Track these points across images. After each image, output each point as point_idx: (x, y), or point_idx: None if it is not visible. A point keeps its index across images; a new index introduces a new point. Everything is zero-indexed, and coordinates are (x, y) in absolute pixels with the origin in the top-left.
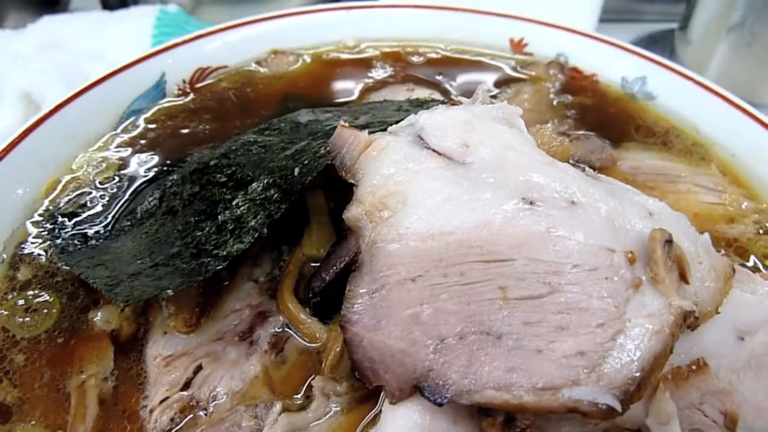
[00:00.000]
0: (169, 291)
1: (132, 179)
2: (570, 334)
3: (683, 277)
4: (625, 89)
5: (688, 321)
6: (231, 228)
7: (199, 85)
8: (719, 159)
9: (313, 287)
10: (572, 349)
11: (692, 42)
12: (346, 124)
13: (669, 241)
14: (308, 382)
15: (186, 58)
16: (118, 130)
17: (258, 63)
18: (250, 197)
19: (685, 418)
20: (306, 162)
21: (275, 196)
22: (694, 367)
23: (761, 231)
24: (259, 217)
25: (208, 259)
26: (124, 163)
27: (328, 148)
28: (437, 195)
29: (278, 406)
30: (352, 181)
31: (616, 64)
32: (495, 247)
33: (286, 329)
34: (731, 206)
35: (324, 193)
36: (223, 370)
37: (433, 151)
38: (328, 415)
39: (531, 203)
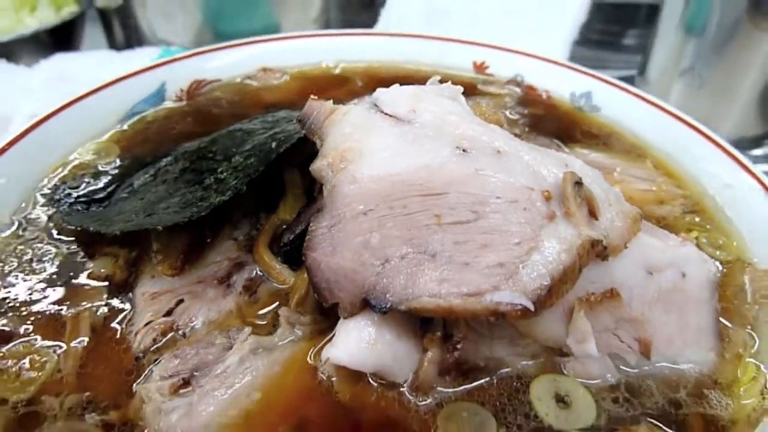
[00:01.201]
0: (159, 227)
1: (130, 164)
2: (492, 251)
3: (593, 214)
4: (573, 102)
5: (597, 249)
6: (215, 188)
7: (195, 93)
8: (654, 157)
9: (284, 239)
10: (494, 262)
11: (650, 84)
12: (315, 98)
13: (579, 183)
14: (276, 311)
15: (184, 71)
16: (121, 127)
17: (249, 78)
18: (233, 166)
19: (603, 342)
20: (281, 137)
21: (253, 162)
22: (607, 295)
23: (686, 210)
24: (239, 178)
25: (194, 208)
26: (123, 152)
27: (299, 117)
28: (387, 147)
29: (248, 330)
30: (319, 142)
31: (565, 82)
32: (432, 184)
33: (260, 275)
34: (661, 192)
35: (300, 171)
36: (202, 304)
37: (386, 114)
38: (291, 339)
39: (463, 150)
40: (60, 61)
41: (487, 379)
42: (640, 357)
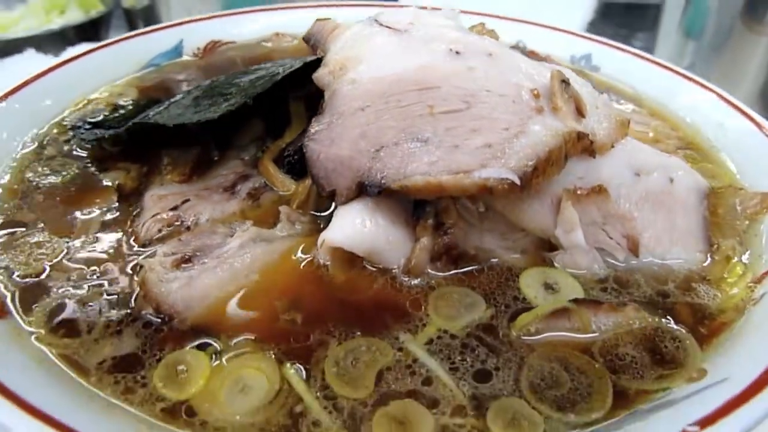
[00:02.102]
0: (169, 123)
1: (146, 103)
2: (481, 135)
3: (579, 112)
4: (574, 64)
5: (583, 142)
6: (224, 101)
7: (211, 51)
8: (650, 107)
9: (288, 150)
10: (482, 143)
11: None
12: (322, 17)
13: (566, 81)
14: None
15: (202, 31)
16: (139, 74)
17: (263, 41)
18: (242, 88)
19: (591, 235)
20: (288, 66)
21: (261, 83)
22: (595, 189)
23: (680, 147)
24: (247, 94)
25: (207, 114)
26: (140, 94)
27: (305, 36)
28: (385, 53)
29: (250, 222)
30: (323, 54)
31: (565, 46)
32: (426, 80)
33: (264, 186)
34: (656, 132)
35: (305, 103)
36: (207, 204)
37: (386, 27)
38: (290, 233)
39: (457, 52)
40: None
41: (478, 266)
42: (628, 253)
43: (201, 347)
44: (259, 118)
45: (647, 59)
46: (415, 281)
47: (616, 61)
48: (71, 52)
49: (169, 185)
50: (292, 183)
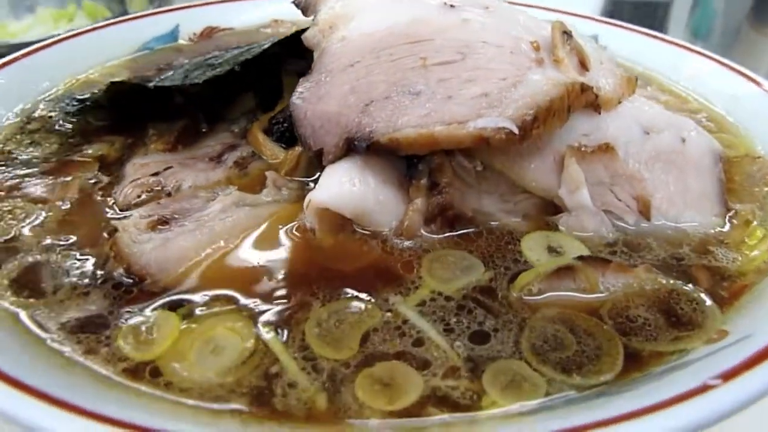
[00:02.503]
0: (149, 85)
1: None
2: (477, 84)
3: (583, 65)
4: None
5: (587, 95)
6: (211, 71)
7: (208, 37)
8: (659, 83)
9: (277, 118)
10: (478, 92)
11: None
12: None
13: (567, 33)
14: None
15: (199, 16)
16: (132, 56)
17: (261, 27)
18: (230, 57)
19: (598, 196)
20: (280, 38)
21: (251, 51)
22: (602, 147)
23: (694, 117)
24: (236, 62)
25: (195, 80)
26: (132, 74)
27: (296, 0)
28: (377, 8)
29: (234, 187)
30: (313, 17)
31: (572, 27)
32: (418, 33)
33: (252, 155)
34: (667, 107)
35: (298, 77)
36: (191, 171)
37: None
38: (276, 199)
39: (452, 6)
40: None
41: (476, 229)
42: (639, 216)
43: (173, 308)
44: (251, 93)
45: (655, 36)
46: (408, 243)
47: (624, 40)
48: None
49: (153, 154)
50: (281, 151)
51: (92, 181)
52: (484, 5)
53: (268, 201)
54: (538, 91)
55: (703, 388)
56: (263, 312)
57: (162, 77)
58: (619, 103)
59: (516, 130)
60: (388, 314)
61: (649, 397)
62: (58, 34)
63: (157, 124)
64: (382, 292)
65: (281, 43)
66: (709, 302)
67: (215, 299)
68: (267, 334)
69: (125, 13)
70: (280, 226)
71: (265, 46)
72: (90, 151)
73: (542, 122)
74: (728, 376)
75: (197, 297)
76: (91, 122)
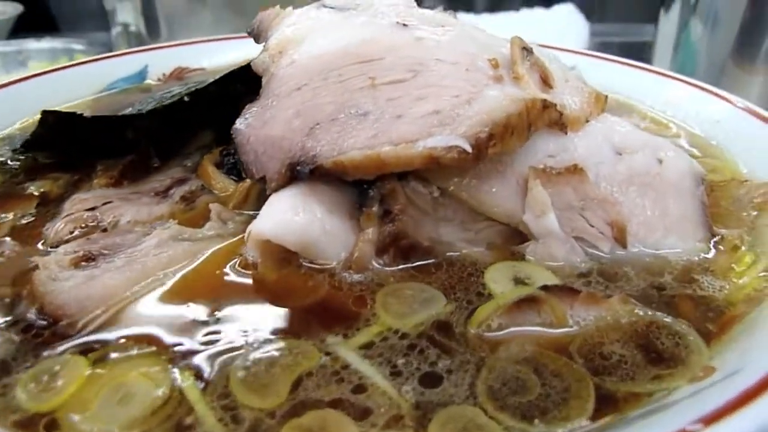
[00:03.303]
0: (86, 114)
1: None
2: (428, 102)
3: (545, 82)
4: None
5: (550, 112)
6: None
7: (178, 78)
8: (640, 111)
9: (228, 149)
10: (428, 110)
11: None
12: (267, 7)
13: (527, 49)
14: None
15: (168, 57)
16: (96, 96)
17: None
18: (180, 90)
19: (567, 221)
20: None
21: (195, 87)
22: (569, 169)
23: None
24: (187, 93)
25: (132, 111)
26: (93, 113)
27: (248, 28)
28: (328, 31)
29: (174, 221)
30: (264, 43)
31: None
32: (369, 53)
33: (201, 189)
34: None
35: None
36: (132, 206)
37: (330, 8)
38: (219, 233)
39: (404, 24)
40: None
41: (434, 261)
42: (614, 244)
43: (86, 352)
44: (210, 129)
45: (636, 66)
46: (358, 277)
47: (604, 71)
48: None
49: (95, 189)
50: (231, 184)
51: (28, 218)
52: (439, 24)
53: (210, 235)
54: (494, 107)
55: None
56: (186, 355)
57: (119, 114)
58: (587, 121)
59: (469, 149)
60: (326, 357)
61: None
62: None
63: (107, 160)
64: (323, 332)
65: (235, 74)
66: (693, 336)
67: (136, 342)
68: (185, 380)
69: None
70: (221, 262)
71: (216, 78)
72: (32, 188)
73: (499, 140)
74: (710, 419)
75: (116, 339)
76: (38, 159)
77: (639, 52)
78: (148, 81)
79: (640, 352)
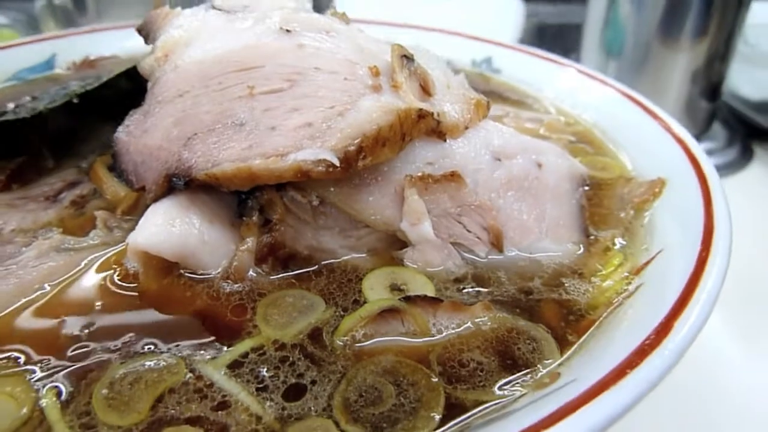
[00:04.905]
0: None
1: None
2: (302, 113)
3: (426, 91)
4: (475, 68)
5: (427, 121)
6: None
7: (88, 66)
8: (550, 104)
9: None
10: (302, 122)
11: None
12: (160, 4)
13: (407, 57)
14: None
15: (79, 45)
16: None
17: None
18: (77, 88)
19: (444, 228)
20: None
21: (85, 89)
22: (446, 176)
23: (573, 142)
24: (74, 94)
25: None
26: None
27: (138, 27)
28: (213, 35)
29: (58, 230)
30: (153, 44)
31: (466, 50)
32: (250, 60)
33: (92, 193)
34: (549, 128)
35: None
36: (17, 212)
37: (218, 9)
38: (105, 241)
39: (287, 31)
40: None
41: (314, 268)
42: (490, 248)
43: None
44: (109, 126)
45: (548, 59)
46: (237, 287)
47: (517, 62)
48: None
49: None
50: (123, 189)
51: None
52: (325, 29)
53: (94, 244)
54: (365, 120)
55: None
56: (53, 373)
57: (10, 106)
58: (467, 128)
59: (337, 162)
60: (191, 374)
61: None
62: None
63: None
64: (198, 345)
65: (128, 74)
66: (548, 341)
67: (5, 360)
68: (46, 399)
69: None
70: (101, 273)
71: (107, 78)
72: None
73: (369, 153)
74: (532, 430)
75: None
76: None
77: (574, 33)
78: (57, 70)
79: (497, 359)
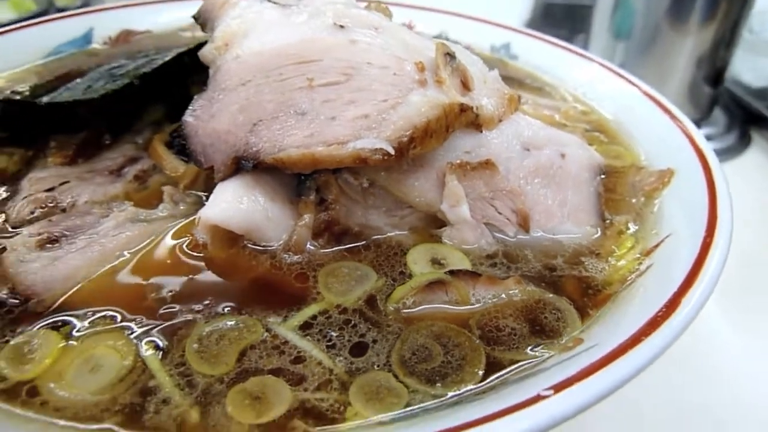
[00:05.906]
0: (40, 102)
1: (45, 89)
2: (358, 106)
3: (465, 86)
4: (494, 53)
5: (468, 115)
6: (113, 82)
7: (124, 41)
8: (565, 93)
9: (178, 131)
10: (359, 114)
11: None
12: None
13: (450, 54)
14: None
15: (114, 19)
16: (42, 61)
17: (181, 30)
18: (130, 69)
19: (479, 210)
20: (189, 46)
21: (144, 69)
22: (482, 163)
23: (588, 129)
24: (137, 74)
25: (92, 95)
26: (40, 80)
27: (195, 15)
28: (270, 27)
29: (130, 203)
30: (211, 33)
31: (485, 36)
32: (307, 53)
33: (153, 168)
34: (565, 116)
35: None
36: (88, 185)
37: (274, 2)
38: (173, 214)
39: (341, 26)
40: None
41: (363, 243)
42: (518, 229)
43: (56, 328)
44: (160, 104)
45: (564, 48)
46: (296, 258)
47: (535, 50)
48: None
49: (51, 168)
50: (181, 165)
51: None
52: (374, 26)
53: (163, 216)
54: (415, 113)
55: (536, 399)
56: (147, 329)
57: (61, 90)
58: (500, 121)
59: (392, 151)
60: (267, 333)
61: (494, 405)
62: None
63: (59, 136)
64: (266, 309)
65: (186, 54)
66: (570, 312)
67: (101, 318)
68: (146, 352)
69: (52, 6)
70: (173, 242)
71: (167, 59)
72: None
73: (419, 143)
74: (560, 387)
75: (82, 316)
76: None
77: (588, 10)
78: (94, 45)
79: (527, 325)
